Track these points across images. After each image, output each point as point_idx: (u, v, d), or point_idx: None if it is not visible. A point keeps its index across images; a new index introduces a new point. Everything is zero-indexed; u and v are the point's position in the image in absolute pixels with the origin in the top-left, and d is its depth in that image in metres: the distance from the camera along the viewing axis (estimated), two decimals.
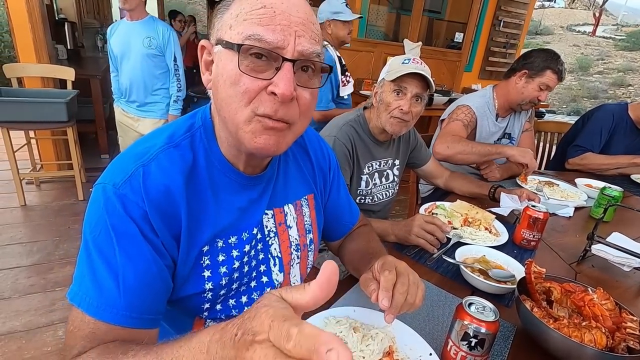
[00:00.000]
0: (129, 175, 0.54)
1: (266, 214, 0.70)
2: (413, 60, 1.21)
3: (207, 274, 0.63)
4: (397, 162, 1.48)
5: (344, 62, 2.37)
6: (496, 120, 1.83)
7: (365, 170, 1.36)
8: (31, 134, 2.97)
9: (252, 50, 0.51)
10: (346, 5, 2.31)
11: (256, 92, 0.53)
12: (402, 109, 1.21)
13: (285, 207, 0.74)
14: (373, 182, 1.40)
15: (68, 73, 2.82)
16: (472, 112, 1.75)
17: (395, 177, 1.48)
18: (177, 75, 2.47)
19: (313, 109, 0.61)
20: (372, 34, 4.74)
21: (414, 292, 0.64)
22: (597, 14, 21.35)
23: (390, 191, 1.48)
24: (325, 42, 2.30)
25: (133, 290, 0.52)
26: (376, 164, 1.40)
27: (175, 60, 2.43)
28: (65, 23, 4.07)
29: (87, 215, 0.55)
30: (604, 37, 19.88)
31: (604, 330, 0.66)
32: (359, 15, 2.36)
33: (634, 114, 2.05)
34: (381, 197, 1.45)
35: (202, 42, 0.59)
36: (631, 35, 18.82)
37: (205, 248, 0.62)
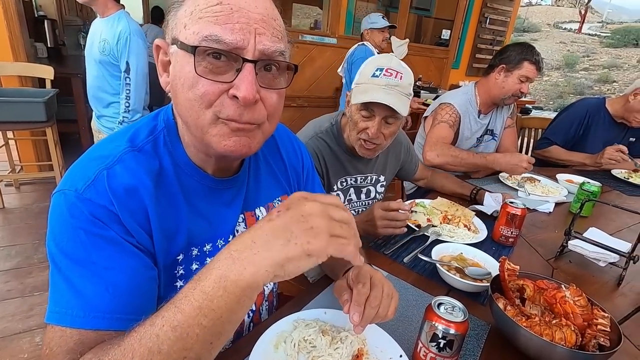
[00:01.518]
0: (92, 179, 0.51)
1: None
2: (386, 71, 1.04)
3: (180, 284, 0.60)
4: (382, 178, 1.35)
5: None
6: (478, 117, 1.83)
7: (338, 186, 1.25)
8: (9, 134, 2.89)
9: (209, 51, 0.49)
10: (382, 17, 2.83)
11: (217, 96, 0.50)
12: (369, 133, 1.07)
13: (257, 210, 0.72)
14: (348, 197, 1.29)
15: (46, 72, 2.74)
16: (456, 111, 1.74)
17: (377, 194, 1.38)
18: (127, 92, 1.96)
19: (281, 109, 0.58)
20: (360, 30, 4.72)
21: (387, 305, 0.63)
22: (582, 12, 21.67)
23: (369, 207, 1.39)
24: (366, 43, 2.88)
25: (122, 290, 0.49)
26: (351, 179, 1.27)
27: (127, 71, 1.92)
28: (45, 20, 3.96)
29: (49, 228, 0.51)
30: (589, 35, 20.20)
31: (573, 328, 0.66)
32: (391, 24, 2.86)
33: (611, 108, 2.08)
34: (354, 214, 1.32)
35: (157, 41, 0.56)
36: (615, 32, 19.15)
37: (180, 257, 0.59)
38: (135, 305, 0.50)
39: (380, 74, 1.04)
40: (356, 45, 2.90)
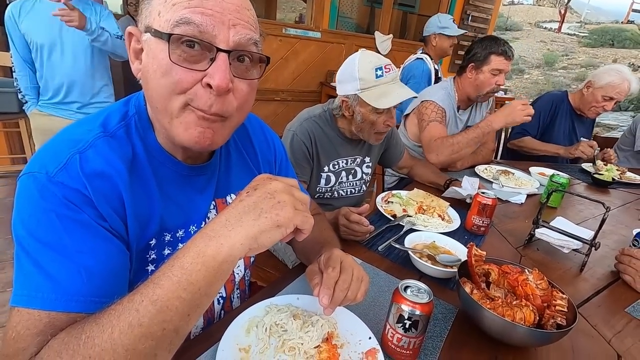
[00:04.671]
0: (64, 163, 0.50)
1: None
2: (385, 67, 1.15)
3: (151, 268, 0.61)
4: (367, 159, 1.43)
5: (440, 74, 2.67)
6: (457, 112, 1.86)
7: (330, 168, 1.32)
8: None
9: (183, 39, 0.49)
10: (452, 21, 2.59)
11: (191, 84, 0.51)
12: (388, 124, 1.22)
13: (228, 198, 0.73)
14: (339, 180, 1.37)
15: None
16: (440, 107, 1.75)
17: (364, 175, 1.44)
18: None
19: (251, 101, 0.59)
20: (344, 25, 4.73)
21: (356, 288, 0.65)
22: (562, 12, 22.20)
23: (357, 188, 1.45)
24: (424, 55, 2.62)
25: (95, 273, 0.49)
26: (343, 162, 1.36)
27: (121, 37, 1.95)
28: None
29: (15, 212, 0.50)
30: (568, 34, 20.74)
31: (532, 309, 0.69)
32: (463, 31, 2.60)
33: (572, 100, 2.22)
34: (343, 194, 1.42)
35: (130, 29, 0.56)
36: (593, 32, 19.72)
37: (152, 242, 0.60)
38: (108, 289, 0.50)
39: (382, 73, 1.15)
40: (412, 59, 2.66)
